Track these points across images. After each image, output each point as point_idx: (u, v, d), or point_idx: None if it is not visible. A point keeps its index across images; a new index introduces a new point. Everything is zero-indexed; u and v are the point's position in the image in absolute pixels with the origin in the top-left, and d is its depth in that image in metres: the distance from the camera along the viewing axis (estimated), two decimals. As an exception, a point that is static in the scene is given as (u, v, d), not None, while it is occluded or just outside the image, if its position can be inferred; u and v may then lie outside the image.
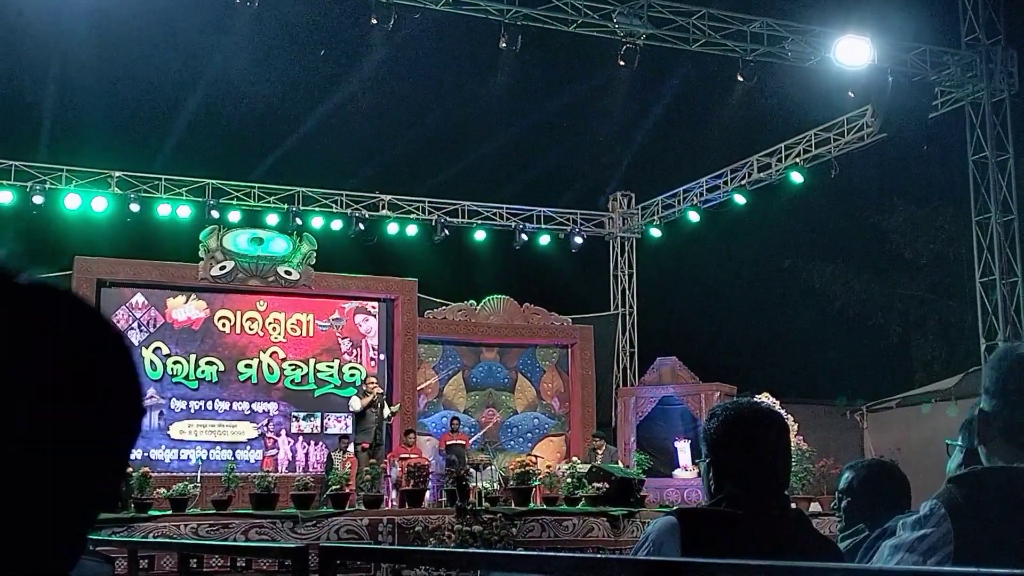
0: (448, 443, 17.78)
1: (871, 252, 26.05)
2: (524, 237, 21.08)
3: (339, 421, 18.47)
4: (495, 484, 15.36)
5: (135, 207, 18.29)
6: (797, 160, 18.90)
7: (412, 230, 20.44)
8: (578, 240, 21.53)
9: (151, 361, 17.81)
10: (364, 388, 16.25)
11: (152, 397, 17.73)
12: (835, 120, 18.34)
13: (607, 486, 14.26)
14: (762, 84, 16.95)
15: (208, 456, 17.62)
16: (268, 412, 18.45)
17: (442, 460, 17.72)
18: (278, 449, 18.37)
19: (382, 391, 16.69)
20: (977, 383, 2.25)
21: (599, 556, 13.48)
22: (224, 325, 18.40)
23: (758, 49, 16.22)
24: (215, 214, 18.63)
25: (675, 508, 2.61)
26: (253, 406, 18.38)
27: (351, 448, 16.38)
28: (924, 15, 17.75)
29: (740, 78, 16.39)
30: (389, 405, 16.68)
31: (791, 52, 16.47)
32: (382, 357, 19.35)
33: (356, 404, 15.95)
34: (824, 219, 25.06)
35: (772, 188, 19.80)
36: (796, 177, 18.83)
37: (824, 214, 24.45)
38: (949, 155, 18.68)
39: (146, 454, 17.37)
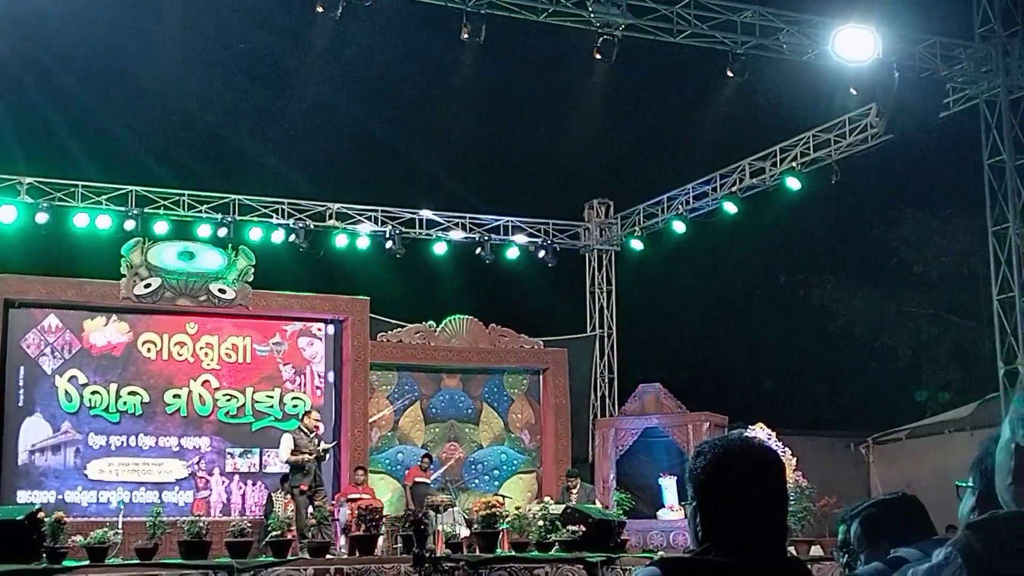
0: (416, 480, 17.76)
1: (876, 266, 26.27)
2: (489, 250, 21.09)
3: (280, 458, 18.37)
4: (457, 528, 15.32)
5: (47, 217, 18.15)
6: (794, 164, 19.05)
7: (363, 242, 20.41)
8: (548, 254, 21.56)
9: (66, 391, 17.67)
10: (306, 425, 16.05)
11: (67, 432, 17.59)
12: (836, 120, 18.50)
13: (583, 529, 14.24)
14: (754, 80, 17.07)
15: (131, 499, 17.47)
16: (199, 448, 18.34)
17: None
18: (211, 490, 18.26)
19: (321, 433, 16.44)
20: (995, 412, 2.28)
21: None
22: (149, 350, 18.29)
23: (749, 41, 16.34)
24: (135, 225, 18.50)
25: (658, 556, 2.62)
26: (182, 442, 18.26)
27: (281, 493, 16.30)
28: (934, 4, 17.97)
29: (730, 73, 16.49)
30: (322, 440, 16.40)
31: (786, 45, 16.60)
32: (330, 382, 19.30)
33: (286, 452, 15.63)
34: (824, 229, 25.25)
35: (766, 195, 19.93)
36: (793, 183, 18.97)
37: (824, 224, 24.64)
38: (962, 158, 18.89)
39: (60, 496, 17.23)
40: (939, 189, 24.00)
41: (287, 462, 15.56)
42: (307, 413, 16.59)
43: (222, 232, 19.00)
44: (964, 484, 2.65)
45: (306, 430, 15.76)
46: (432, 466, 18.52)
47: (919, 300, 26.18)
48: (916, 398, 24.99)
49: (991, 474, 2.29)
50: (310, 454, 15.34)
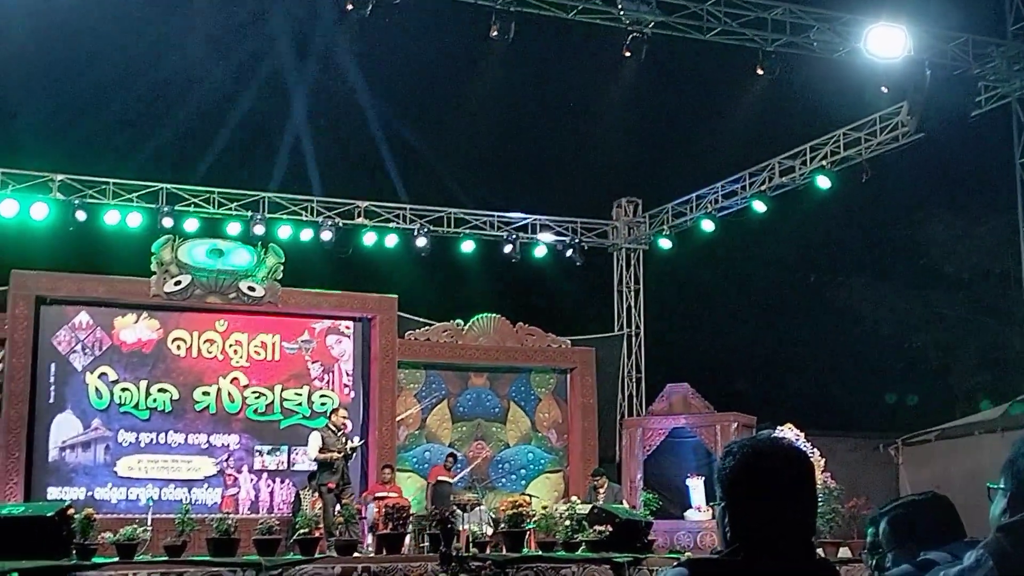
0: (439, 478, 17.80)
1: (906, 266, 26.10)
2: (517, 249, 21.08)
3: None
4: (484, 527, 15.33)
5: (79, 215, 18.26)
6: (824, 163, 18.95)
7: (391, 240, 20.43)
8: (577, 252, 21.53)
9: (96, 388, 17.78)
10: (333, 422, 16.09)
11: (97, 429, 17.70)
12: (866, 118, 18.39)
13: (610, 529, 14.22)
14: (785, 78, 16.97)
15: (160, 496, 17.57)
16: (228, 446, 18.42)
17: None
18: (239, 488, 18.33)
19: (349, 431, 16.48)
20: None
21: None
22: (179, 348, 18.38)
23: (780, 39, 16.27)
24: (169, 222, 18.60)
25: (686, 557, 2.61)
26: (211, 439, 18.34)
27: (309, 490, 16.34)
28: (966, 1, 17.84)
29: (760, 71, 16.43)
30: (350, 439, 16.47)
31: (817, 42, 16.52)
32: (358, 380, 19.34)
33: (314, 450, 15.66)
34: (854, 229, 25.12)
35: (795, 194, 19.84)
36: (823, 182, 18.87)
37: (854, 223, 24.51)
38: (994, 157, 18.75)
39: (90, 493, 17.34)
40: (970, 188, 23.83)
41: (315, 460, 15.60)
42: (334, 411, 16.62)
43: (253, 230, 19.07)
44: (995, 486, 2.63)
45: (333, 428, 15.79)
46: (457, 466, 18.54)
47: (949, 300, 25.99)
48: (945, 398, 24.82)
49: (1022, 476, 2.27)
50: (338, 452, 15.37)
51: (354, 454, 16.18)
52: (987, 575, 2.00)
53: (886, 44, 15.61)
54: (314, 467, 16.07)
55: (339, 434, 15.65)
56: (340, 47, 18.09)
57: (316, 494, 15.92)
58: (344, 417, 16.33)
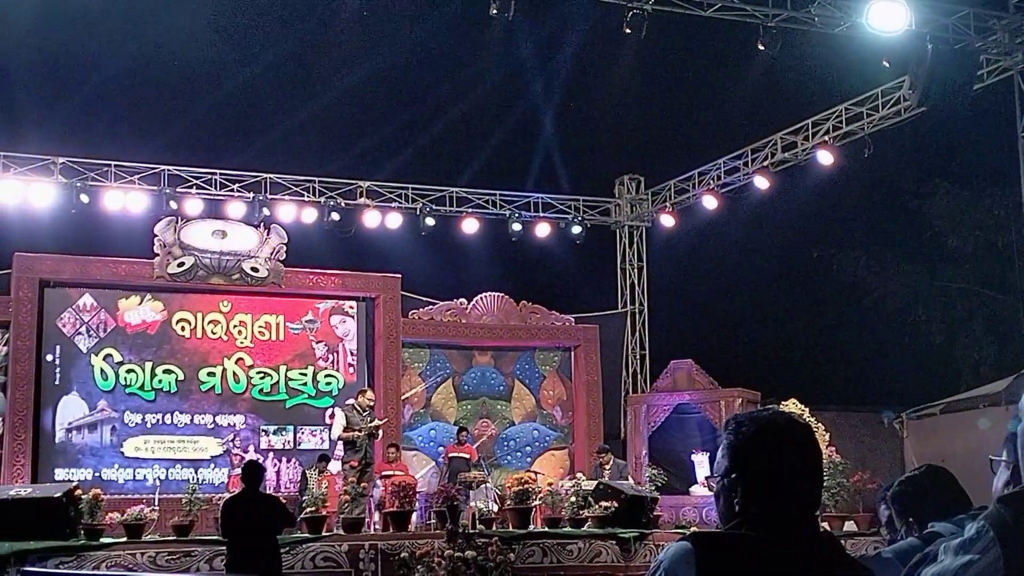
0: (451, 455, 17.84)
1: (910, 240, 26.05)
2: (520, 227, 21.07)
3: (314, 435, 18.50)
4: (490, 504, 15.38)
5: (82, 197, 18.27)
6: (826, 138, 18.92)
7: (394, 220, 20.43)
8: (579, 230, 21.51)
9: (101, 370, 17.82)
10: (360, 403, 16.01)
11: (103, 410, 17.75)
12: (868, 93, 18.35)
13: (616, 505, 14.26)
14: (786, 53, 16.92)
15: (167, 476, 17.64)
16: (234, 426, 18.47)
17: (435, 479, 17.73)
18: (245, 467, 18.39)
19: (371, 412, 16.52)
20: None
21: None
22: (183, 329, 18.41)
23: (781, 14, 16.21)
24: (172, 204, 18.60)
25: (690, 532, 2.62)
26: (217, 419, 18.40)
27: (332, 466, 16.36)
28: (967, -26, 17.75)
29: (761, 47, 16.38)
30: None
31: (818, 17, 16.46)
32: (363, 359, 19.36)
33: (338, 429, 15.68)
34: (857, 203, 25.06)
35: (798, 169, 19.81)
36: (825, 157, 18.85)
37: (857, 198, 24.45)
38: (996, 131, 18.70)
39: (97, 474, 17.41)
40: (973, 162, 23.76)
41: (339, 438, 15.65)
42: (362, 392, 16.61)
43: (256, 211, 19.06)
44: (998, 459, 2.65)
45: (359, 408, 15.81)
46: (468, 439, 18.46)
47: (953, 274, 25.95)
48: (950, 372, 24.83)
49: (1024, 448, 2.29)
50: (360, 431, 15.44)
51: (379, 433, 16.19)
52: (988, 546, 2.01)
53: (887, 18, 15.54)
54: (322, 446, 16.07)
55: (364, 414, 15.69)
56: (339, 26, 18.02)
57: (327, 471, 15.98)
58: (371, 399, 16.28)
